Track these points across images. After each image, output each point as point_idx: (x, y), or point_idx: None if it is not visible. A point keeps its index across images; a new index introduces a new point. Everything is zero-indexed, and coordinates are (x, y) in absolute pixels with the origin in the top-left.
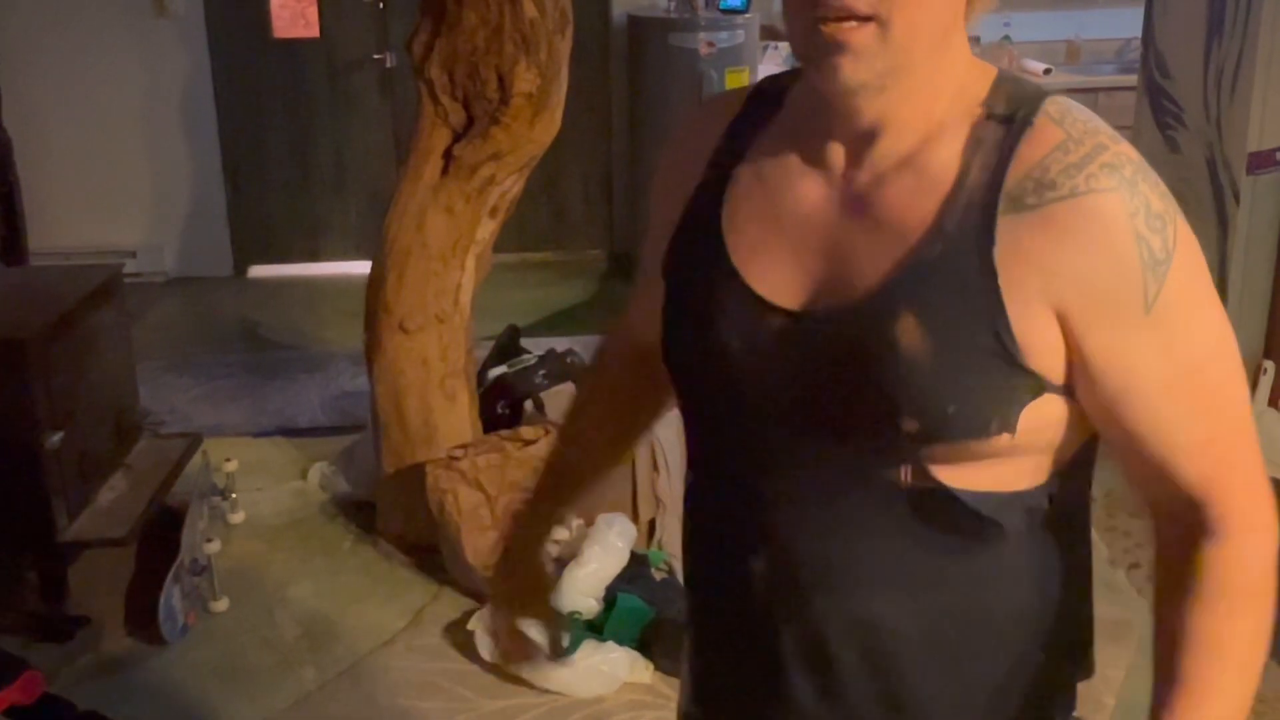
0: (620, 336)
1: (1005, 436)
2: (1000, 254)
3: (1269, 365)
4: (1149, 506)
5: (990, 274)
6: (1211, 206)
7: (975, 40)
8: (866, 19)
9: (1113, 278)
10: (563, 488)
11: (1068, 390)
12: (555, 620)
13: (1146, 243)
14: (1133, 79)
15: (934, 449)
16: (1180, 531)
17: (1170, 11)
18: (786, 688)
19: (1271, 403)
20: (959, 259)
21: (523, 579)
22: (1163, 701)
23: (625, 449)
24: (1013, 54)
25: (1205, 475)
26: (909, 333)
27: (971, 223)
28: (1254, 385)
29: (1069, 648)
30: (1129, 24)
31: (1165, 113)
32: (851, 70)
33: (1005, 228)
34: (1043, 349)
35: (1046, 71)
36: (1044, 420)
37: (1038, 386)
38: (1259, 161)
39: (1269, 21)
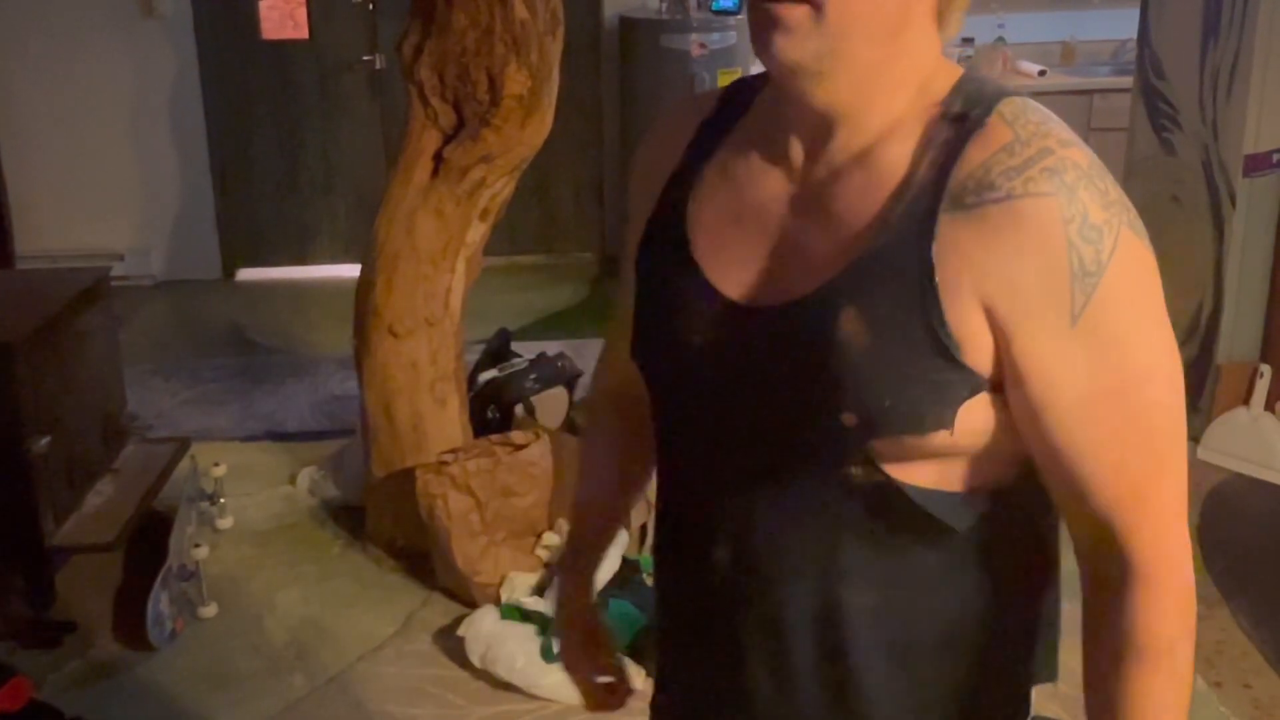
0: (607, 380)
1: (943, 434)
2: (939, 250)
3: (1265, 369)
4: (1069, 529)
5: (928, 269)
6: (1207, 209)
7: (969, 41)
8: (801, 1)
9: (1039, 284)
10: (593, 549)
11: (1001, 389)
12: (620, 670)
13: (1078, 252)
14: (1128, 81)
15: (877, 444)
16: (1094, 568)
17: (1166, 13)
18: (744, 676)
19: (1269, 406)
20: (900, 253)
21: (584, 639)
22: None
23: (639, 489)
24: (1007, 55)
25: (1112, 504)
26: (850, 326)
27: (915, 218)
28: (1251, 389)
29: (1023, 652)
30: (1125, 25)
31: (1161, 115)
32: (784, 46)
33: (945, 225)
34: (976, 344)
35: (1041, 73)
36: (984, 421)
37: (974, 385)
38: (1255, 164)
39: (1265, 23)
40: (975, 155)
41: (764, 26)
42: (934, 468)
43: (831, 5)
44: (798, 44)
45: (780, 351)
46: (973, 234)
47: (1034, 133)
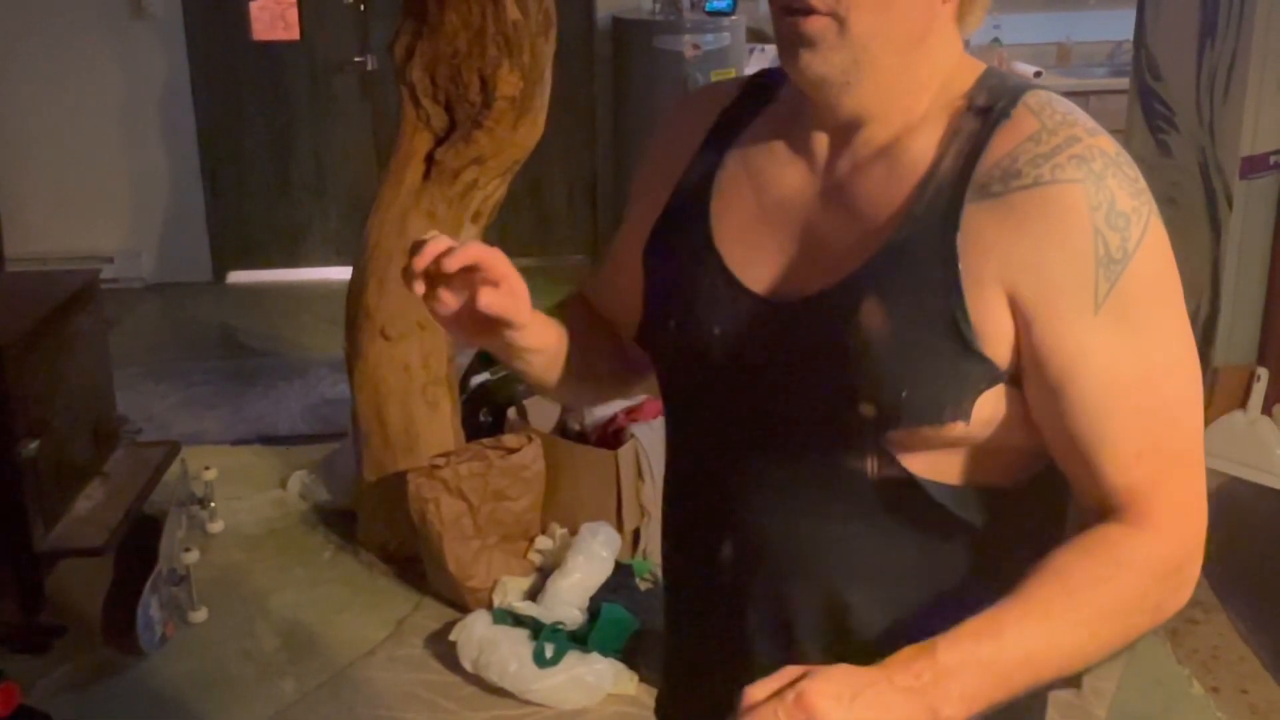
0: (583, 301)
1: (960, 425)
2: (962, 240)
3: (1263, 372)
4: (1078, 502)
5: (951, 259)
6: (1204, 211)
7: (965, 43)
8: (824, 14)
9: (1064, 269)
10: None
11: (1019, 382)
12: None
13: (1104, 239)
14: (1124, 82)
15: (892, 435)
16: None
17: (1162, 13)
18: (753, 672)
19: (1266, 410)
20: (923, 244)
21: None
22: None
23: (593, 372)
24: (1003, 56)
25: (1129, 487)
26: (871, 316)
27: (939, 209)
28: (1247, 392)
29: None
30: (1120, 26)
31: (1157, 116)
32: (809, 61)
33: (970, 215)
34: (996, 335)
35: (1037, 74)
36: (1000, 413)
37: (991, 375)
38: (1252, 166)
39: (1263, 23)
40: (1001, 145)
41: (790, 41)
42: (949, 462)
43: (854, 18)
44: (823, 58)
45: (801, 344)
46: (998, 222)
47: (1060, 122)
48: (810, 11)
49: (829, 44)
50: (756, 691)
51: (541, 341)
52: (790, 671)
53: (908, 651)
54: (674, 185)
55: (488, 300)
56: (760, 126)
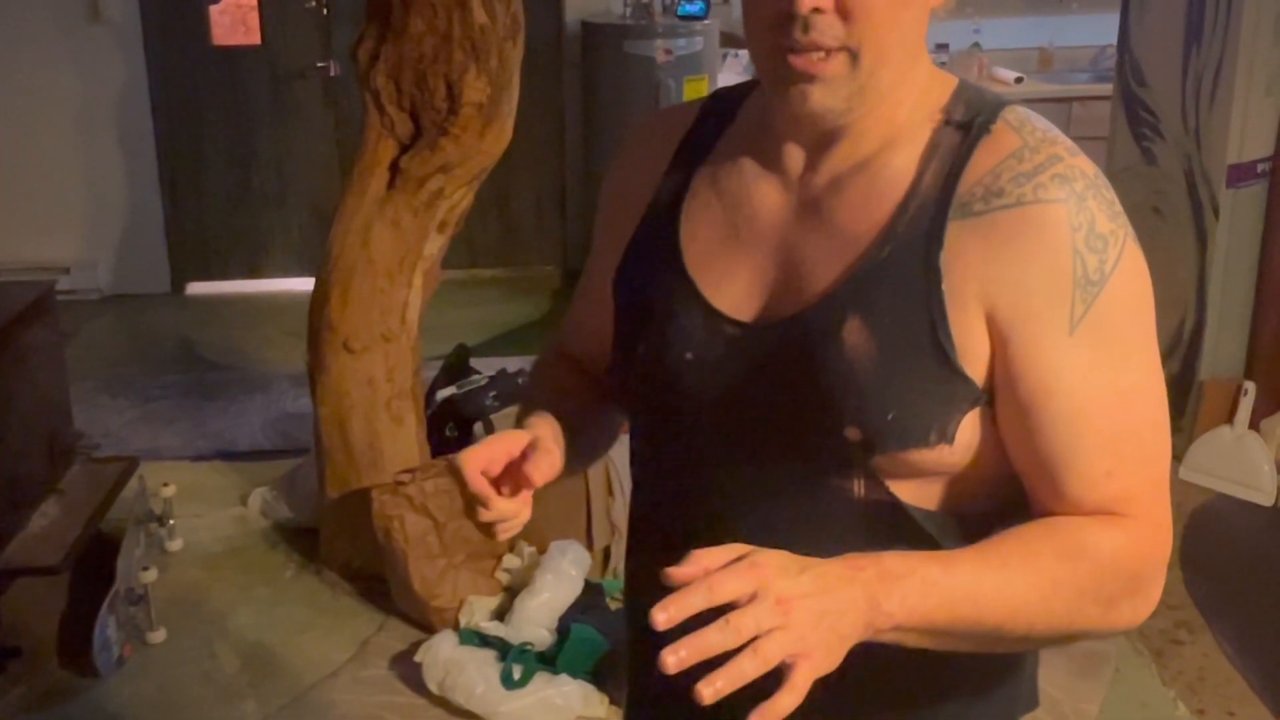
0: (559, 353)
1: (945, 448)
2: (945, 258)
3: (1250, 386)
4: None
5: (935, 277)
6: (1190, 221)
7: (944, 47)
8: (838, 50)
9: (1043, 289)
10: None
11: (993, 402)
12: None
13: (1083, 260)
14: (1108, 88)
15: (879, 459)
16: None
17: (1147, 18)
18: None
19: (1253, 425)
20: (906, 262)
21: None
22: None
23: (590, 442)
24: (983, 61)
25: (1098, 504)
26: (854, 336)
27: (921, 226)
28: (1234, 406)
29: (1012, 680)
30: (1104, 31)
31: (1142, 123)
32: (820, 98)
33: (953, 233)
34: (977, 354)
35: (1018, 80)
36: (981, 436)
37: (974, 396)
38: (1239, 174)
39: (1249, 28)
40: (983, 162)
41: (799, 79)
42: (932, 486)
43: (867, 49)
44: (834, 92)
45: (780, 367)
46: (981, 241)
47: (1042, 139)
48: (820, 49)
49: (842, 79)
50: (706, 558)
51: (561, 466)
52: (737, 548)
53: (854, 555)
54: (640, 214)
55: (540, 478)
56: (725, 145)
